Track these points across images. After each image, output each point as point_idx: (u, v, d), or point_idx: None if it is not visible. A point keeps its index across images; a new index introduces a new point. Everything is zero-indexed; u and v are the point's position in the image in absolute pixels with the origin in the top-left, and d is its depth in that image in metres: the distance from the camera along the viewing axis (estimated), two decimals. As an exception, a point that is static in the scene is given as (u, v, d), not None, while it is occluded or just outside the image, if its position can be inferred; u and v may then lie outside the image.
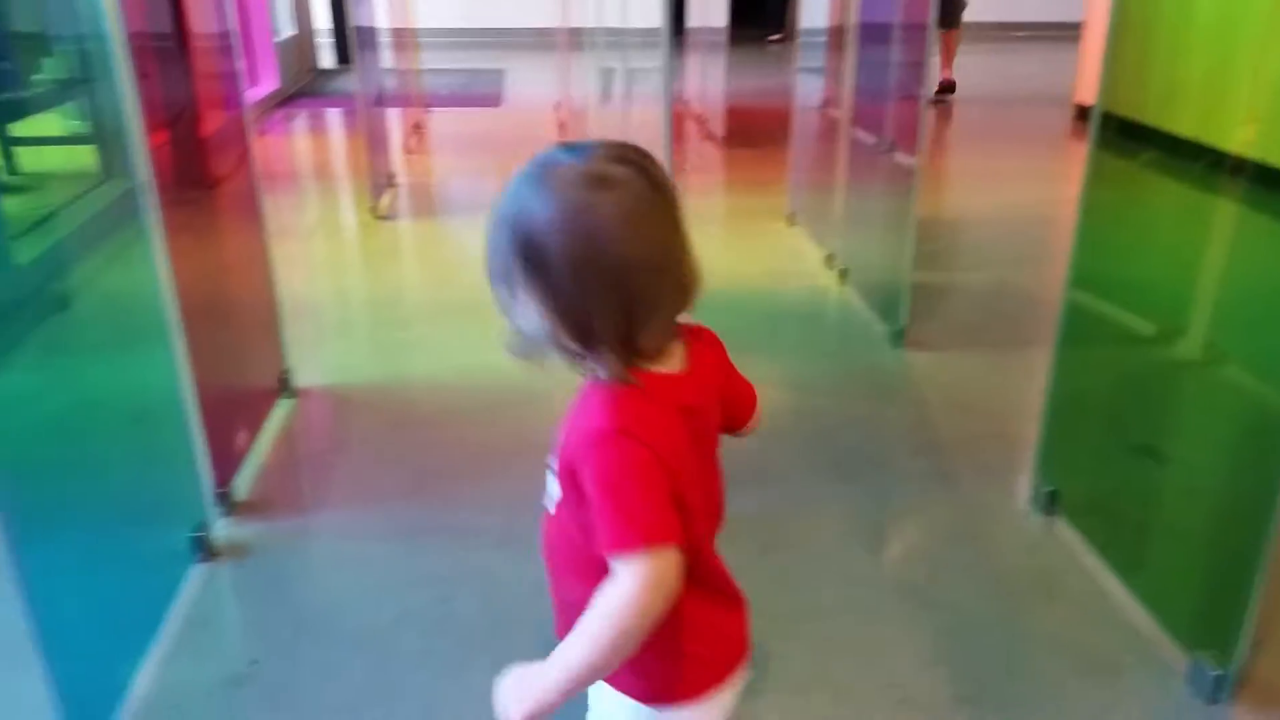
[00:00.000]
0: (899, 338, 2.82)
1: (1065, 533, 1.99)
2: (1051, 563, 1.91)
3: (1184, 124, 2.20)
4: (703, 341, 1.03)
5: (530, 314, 0.90)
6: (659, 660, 0.99)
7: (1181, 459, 1.84)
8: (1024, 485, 2.12)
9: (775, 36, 9.19)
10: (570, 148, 0.92)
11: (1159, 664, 1.64)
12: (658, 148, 1.41)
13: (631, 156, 0.90)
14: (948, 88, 6.53)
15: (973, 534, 2.00)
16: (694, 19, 6.04)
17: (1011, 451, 2.28)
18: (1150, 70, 2.13)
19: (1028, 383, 2.61)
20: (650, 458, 0.88)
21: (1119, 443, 1.98)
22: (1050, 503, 2.04)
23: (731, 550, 1.90)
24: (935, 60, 2.61)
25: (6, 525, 1.32)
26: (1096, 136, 1.86)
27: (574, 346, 0.89)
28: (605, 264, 0.86)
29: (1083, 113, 5.74)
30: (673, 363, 0.96)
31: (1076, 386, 2.04)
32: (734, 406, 1.07)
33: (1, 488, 1.32)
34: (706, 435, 1.00)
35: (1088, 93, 5.76)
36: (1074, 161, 5.09)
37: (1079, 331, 2.01)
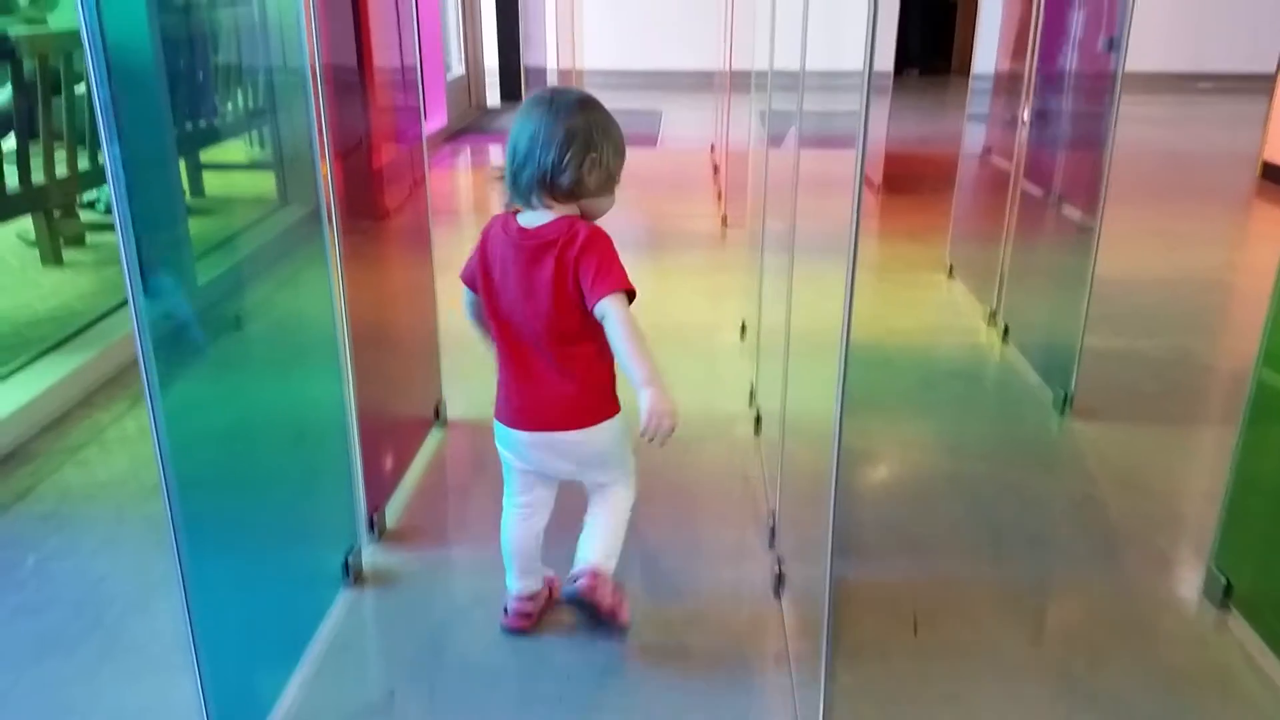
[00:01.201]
0: (1065, 404, 2.68)
1: (1241, 629, 1.83)
2: (1225, 661, 1.76)
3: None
4: (569, 232, 1.58)
5: None
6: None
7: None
8: (1197, 574, 1.96)
9: (914, 70, 9.04)
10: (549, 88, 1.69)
11: (1353, 789, 1.48)
12: (838, 194, 1.39)
13: (553, 97, 1.60)
14: None
15: (1139, 624, 1.86)
16: (850, 59, 5.96)
17: (1184, 537, 2.12)
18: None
19: (1205, 463, 2.44)
20: (480, 241, 1.66)
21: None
22: (1225, 595, 1.89)
23: (881, 622, 1.84)
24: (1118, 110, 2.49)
25: (177, 534, 1.38)
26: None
27: (502, 177, 1.62)
28: (511, 139, 1.59)
29: (1270, 172, 5.39)
30: (528, 219, 1.60)
31: (1262, 471, 1.89)
32: (582, 284, 1.58)
33: (175, 496, 1.37)
34: (524, 263, 1.59)
35: (1277, 149, 5.40)
36: (1260, 223, 4.79)
37: (1269, 411, 1.86)
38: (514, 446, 1.74)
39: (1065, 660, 1.76)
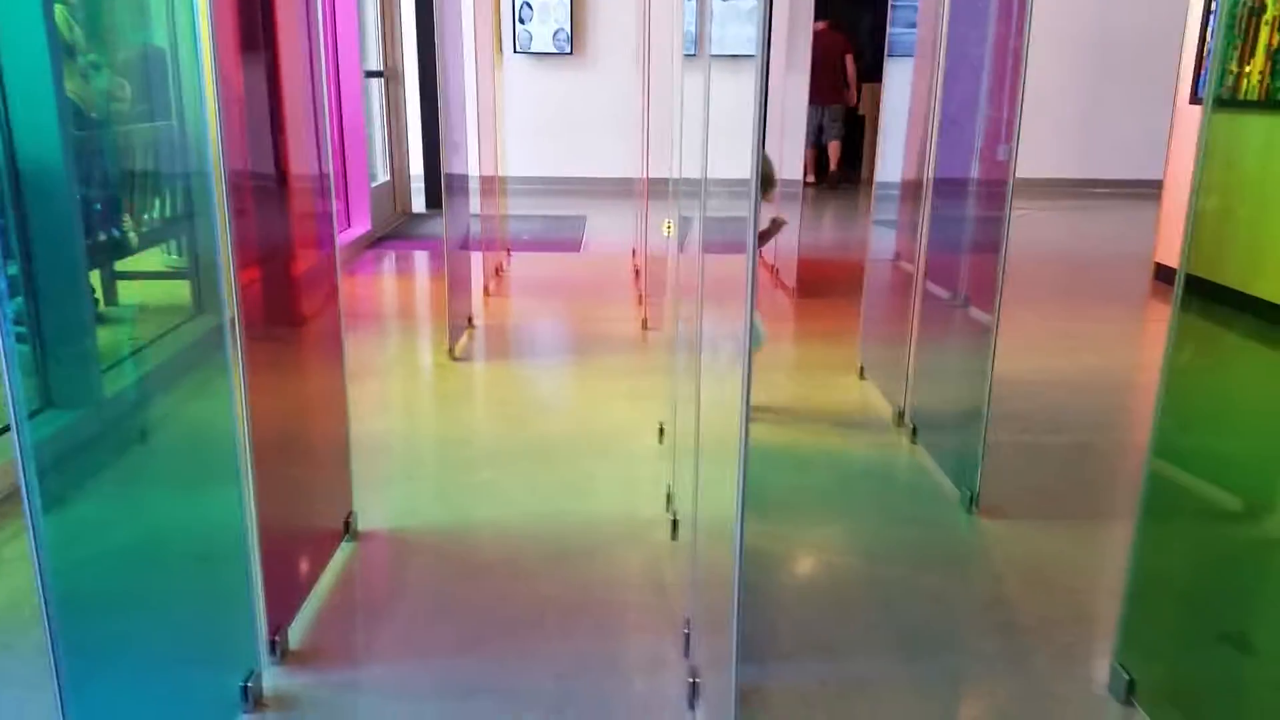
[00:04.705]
0: (972, 503, 2.73)
1: (1147, 726, 1.86)
2: (1134, 760, 1.78)
3: (1271, 288, 2.15)
4: None
5: None
6: None
7: (1272, 648, 1.72)
8: (1102, 671, 1.99)
9: (810, 180, 9.44)
10: None
11: None
12: (737, 296, 1.44)
13: None
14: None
15: (1049, 724, 1.88)
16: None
17: (1091, 634, 2.16)
18: (1235, 233, 2.10)
19: (1110, 558, 2.50)
20: None
21: (1204, 628, 1.86)
22: (1129, 691, 1.92)
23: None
24: (1012, 215, 2.62)
25: (59, 663, 1.32)
26: (1180, 299, 1.81)
27: None
28: None
29: (1162, 272, 5.67)
30: None
31: (1159, 565, 1.94)
32: None
33: (59, 624, 1.32)
34: None
35: (1167, 252, 5.70)
36: (1156, 323, 5.01)
37: (1162, 505, 1.92)
38: None
39: (977, 764, 1.76)
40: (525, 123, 9.06)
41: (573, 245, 7.03)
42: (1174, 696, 1.87)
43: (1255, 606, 1.77)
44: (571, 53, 9.41)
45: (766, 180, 3.23)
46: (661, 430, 3.24)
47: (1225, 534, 1.90)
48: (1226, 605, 1.82)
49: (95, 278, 3.79)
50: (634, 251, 6.13)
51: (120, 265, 4.08)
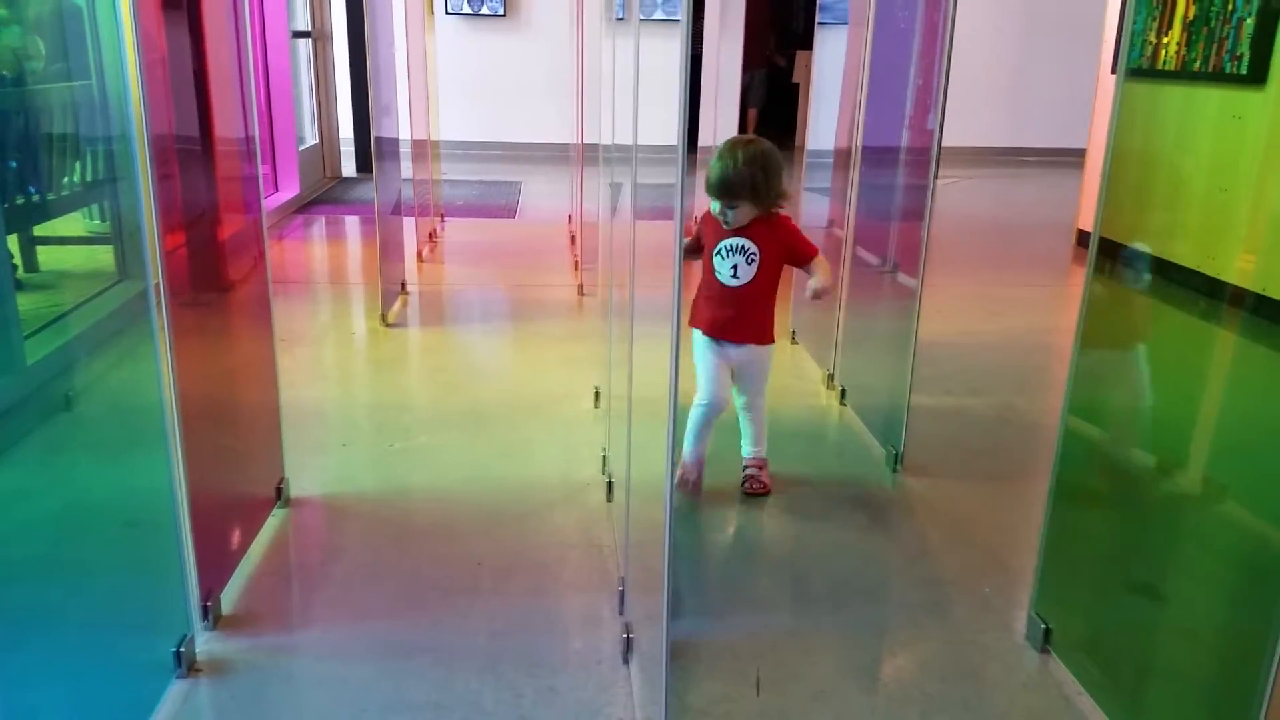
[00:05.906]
0: (897, 462, 2.81)
1: (1059, 671, 1.94)
2: (1045, 705, 1.86)
3: (1183, 253, 2.23)
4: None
5: None
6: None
7: (1179, 597, 1.81)
8: (1020, 621, 2.08)
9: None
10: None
11: (1158, 817, 1.58)
12: (667, 263, 1.46)
13: (732, 144, 2.44)
14: None
15: (968, 672, 1.95)
16: (705, 137, 6.24)
17: (1010, 585, 2.25)
18: (1149, 198, 2.17)
19: (1028, 514, 2.59)
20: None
21: (1114, 578, 1.95)
22: (1045, 640, 2.01)
23: (726, 683, 1.88)
24: (938, 182, 2.70)
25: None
26: (1093, 263, 1.88)
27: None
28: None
29: (1084, 239, 5.83)
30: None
31: (1073, 519, 2.03)
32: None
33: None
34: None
35: (1090, 219, 5.86)
36: (1076, 287, 5.15)
37: (1076, 462, 2.00)
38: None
39: (900, 713, 1.83)
40: (458, 86, 8.93)
41: (508, 211, 6.98)
42: (1088, 644, 1.96)
43: (1164, 558, 1.86)
44: (505, 14, 9.29)
45: (743, 188, 2.43)
46: (597, 394, 3.26)
47: (1136, 489, 1.98)
48: (1137, 557, 1.91)
49: (13, 242, 3.68)
50: (569, 217, 6.12)
51: (40, 230, 3.96)
